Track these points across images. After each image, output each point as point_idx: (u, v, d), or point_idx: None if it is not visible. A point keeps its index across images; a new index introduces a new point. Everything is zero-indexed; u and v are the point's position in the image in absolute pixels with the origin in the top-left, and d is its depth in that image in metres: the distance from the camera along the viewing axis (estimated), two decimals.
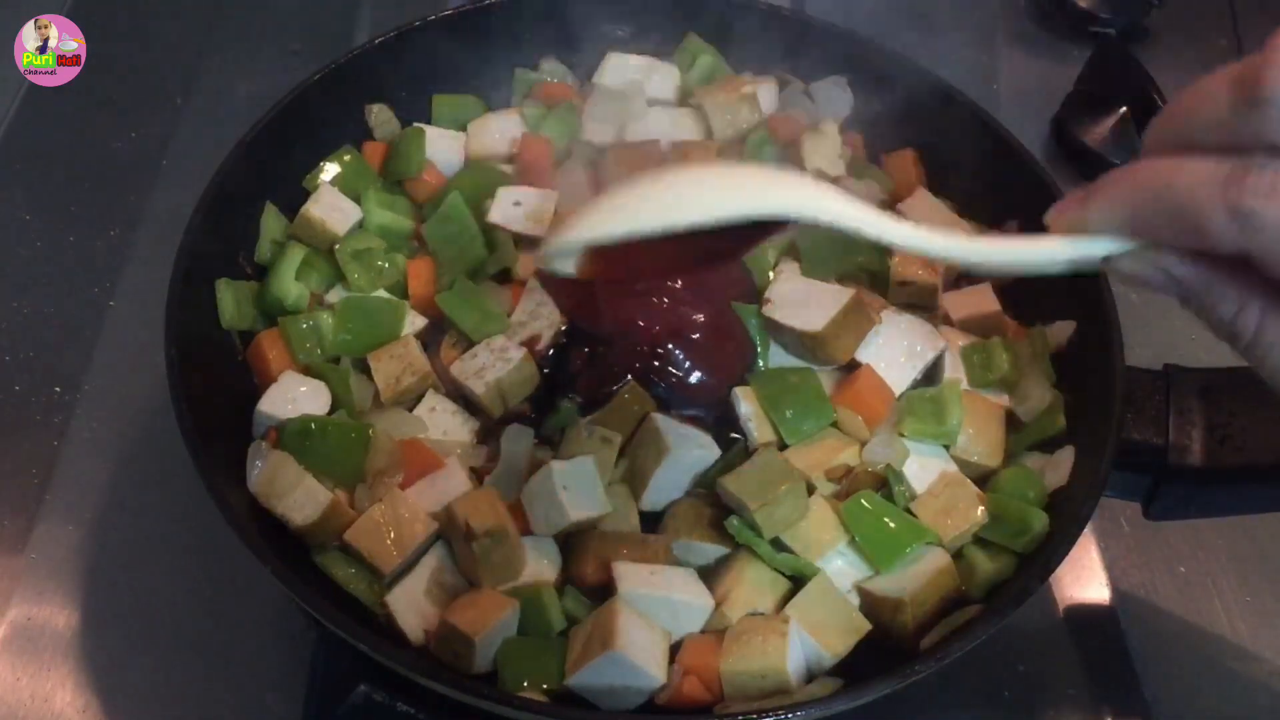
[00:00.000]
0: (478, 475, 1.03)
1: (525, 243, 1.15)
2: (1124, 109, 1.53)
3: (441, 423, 1.05)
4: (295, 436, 0.99)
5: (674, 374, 1.03)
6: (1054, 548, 0.94)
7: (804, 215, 0.68)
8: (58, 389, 1.27)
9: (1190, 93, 0.60)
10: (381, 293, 1.13)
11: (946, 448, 1.04)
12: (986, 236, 0.71)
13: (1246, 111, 0.56)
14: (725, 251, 0.77)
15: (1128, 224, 0.63)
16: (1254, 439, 0.98)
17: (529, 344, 1.06)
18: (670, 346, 1.03)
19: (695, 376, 1.04)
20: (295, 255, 1.12)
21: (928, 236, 0.69)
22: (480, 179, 1.19)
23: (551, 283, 1.09)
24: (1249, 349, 0.63)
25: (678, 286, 1.07)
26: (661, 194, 0.71)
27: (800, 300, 1.08)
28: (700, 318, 1.06)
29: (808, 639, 0.93)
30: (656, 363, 1.03)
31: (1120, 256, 0.64)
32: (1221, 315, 0.63)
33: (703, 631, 0.95)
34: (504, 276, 1.14)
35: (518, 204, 1.15)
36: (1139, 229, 0.63)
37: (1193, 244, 0.60)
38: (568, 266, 0.77)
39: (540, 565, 0.96)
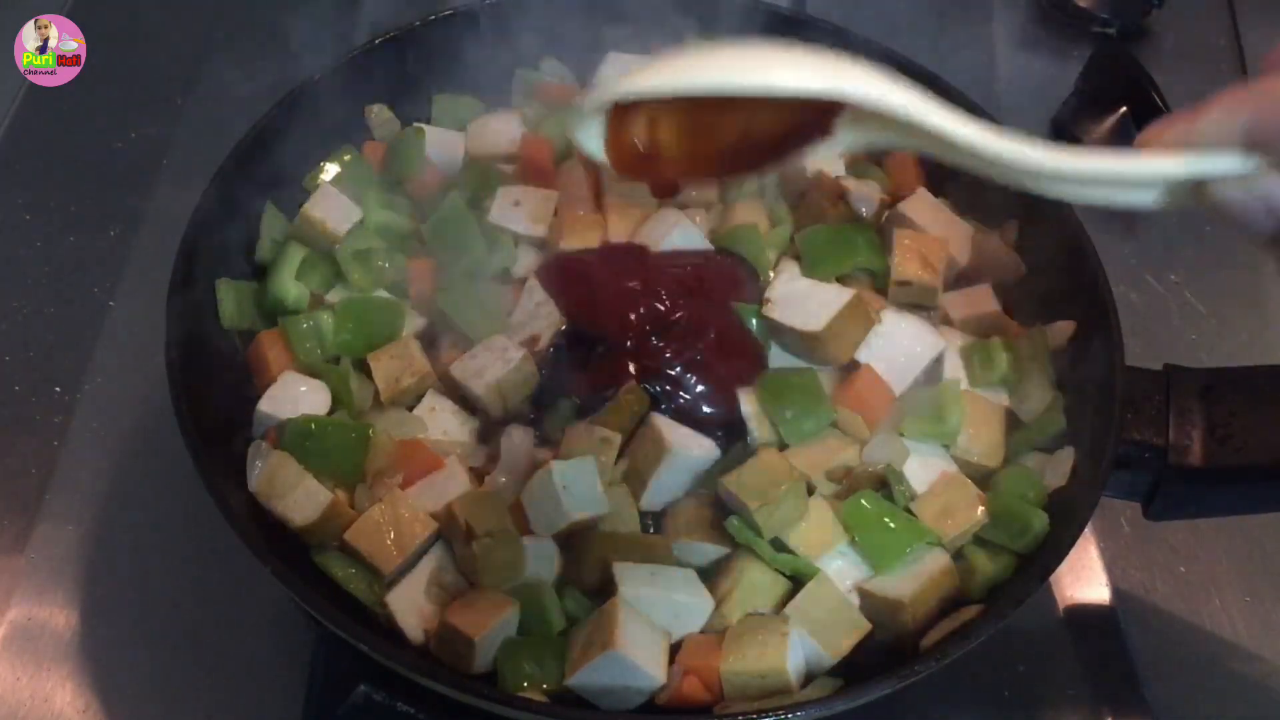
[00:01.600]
0: (478, 475, 1.03)
1: (525, 243, 1.15)
2: (1124, 109, 1.53)
3: (441, 423, 1.05)
4: (295, 436, 0.99)
5: (683, 398, 1.03)
6: (1054, 548, 0.94)
7: (869, 98, 0.64)
8: (58, 389, 1.27)
9: None
10: (381, 293, 1.13)
11: (946, 448, 1.04)
12: (1069, 148, 0.65)
13: None
14: (758, 156, 0.72)
15: (1251, 132, 0.59)
16: (1254, 439, 0.98)
17: (529, 344, 1.06)
18: (680, 369, 1.03)
19: (704, 405, 1.04)
20: (295, 255, 1.12)
21: (998, 140, 0.63)
22: (480, 179, 1.19)
23: (552, 283, 1.09)
24: None
25: (681, 291, 1.07)
26: (723, 55, 0.68)
27: (800, 300, 1.08)
28: (711, 334, 1.05)
29: (808, 639, 0.93)
30: (669, 386, 1.03)
31: (1222, 181, 0.60)
32: None
33: (703, 631, 0.95)
34: (504, 276, 1.14)
35: (518, 204, 1.15)
36: (1264, 137, 0.58)
37: None
38: (595, 144, 0.73)
39: (540, 565, 0.96)
